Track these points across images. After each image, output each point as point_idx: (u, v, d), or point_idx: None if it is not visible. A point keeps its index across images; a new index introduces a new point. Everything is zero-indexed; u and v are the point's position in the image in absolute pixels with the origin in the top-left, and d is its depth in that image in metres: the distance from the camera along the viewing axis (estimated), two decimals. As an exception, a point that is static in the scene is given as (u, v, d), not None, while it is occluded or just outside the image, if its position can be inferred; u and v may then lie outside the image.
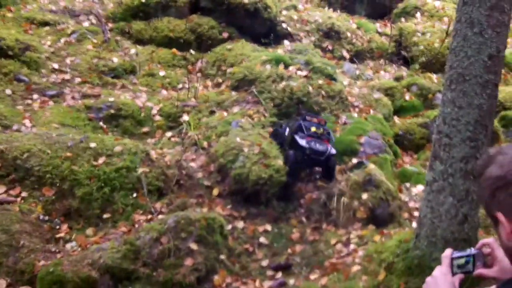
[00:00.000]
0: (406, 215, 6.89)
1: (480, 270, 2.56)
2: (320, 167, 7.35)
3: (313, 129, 7.35)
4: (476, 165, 4.93)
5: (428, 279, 2.49)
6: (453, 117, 5.04)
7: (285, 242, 6.61)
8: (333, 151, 7.21)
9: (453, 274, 2.50)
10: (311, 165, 7.33)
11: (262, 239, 6.55)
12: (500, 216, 2.16)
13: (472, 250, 2.57)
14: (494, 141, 8.22)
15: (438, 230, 5.11)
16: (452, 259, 2.53)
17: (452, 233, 5.06)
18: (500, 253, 2.51)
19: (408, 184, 7.55)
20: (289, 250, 6.47)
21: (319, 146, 7.16)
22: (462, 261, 2.53)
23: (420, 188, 7.28)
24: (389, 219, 6.73)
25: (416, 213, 6.74)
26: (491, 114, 5.08)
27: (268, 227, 6.69)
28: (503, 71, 7.69)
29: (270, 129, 7.82)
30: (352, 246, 6.28)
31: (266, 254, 6.42)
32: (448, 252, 2.54)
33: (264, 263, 6.27)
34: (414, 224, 6.34)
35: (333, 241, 6.47)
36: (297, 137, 7.27)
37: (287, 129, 7.58)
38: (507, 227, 2.15)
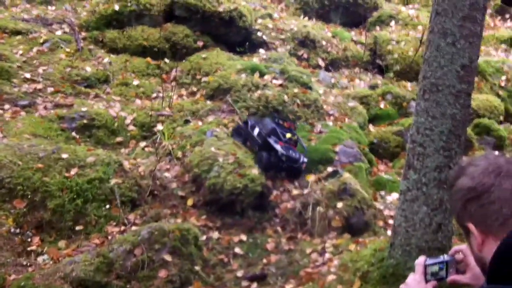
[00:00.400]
0: (381, 223, 6.88)
1: (453, 277, 2.57)
2: (288, 172, 7.42)
3: (288, 135, 7.54)
4: (449, 175, 4.94)
5: (402, 286, 2.48)
6: (427, 126, 5.04)
7: (260, 252, 6.56)
8: (305, 159, 7.43)
9: (427, 281, 2.51)
10: (282, 170, 7.40)
11: (237, 250, 6.50)
12: (471, 227, 2.17)
13: (445, 257, 2.58)
14: (468, 149, 8.28)
15: (412, 239, 5.11)
16: (426, 266, 2.53)
17: (426, 242, 5.06)
18: (472, 260, 2.52)
19: (383, 192, 7.56)
20: (264, 260, 6.42)
21: (293, 154, 7.36)
22: (436, 268, 2.54)
23: (395, 196, 7.29)
24: (364, 227, 6.72)
25: (391, 221, 6.74)
26: (464, 124, 5.10)
27: (243, 237, 6.65)
28: (476, 79, 7.73)
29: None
30: (327, 255, 6.26)
31: (241, 264, 6.37)
32: (421, 259, 2.54)
33: (239, 273, 6.22)
34: (389, 233, 6.34)
35: (308, 251, 6.44)
36: (271, 141, 7.40)
37: (256, 129, 7.62)
38: (478, 237, 2.16)
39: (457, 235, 5.33)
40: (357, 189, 6.89)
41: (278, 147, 7.35)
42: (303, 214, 6.86)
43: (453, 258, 2.60)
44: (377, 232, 6.67)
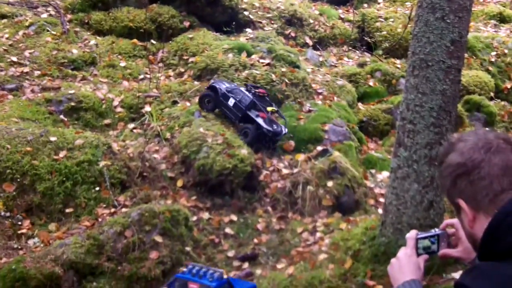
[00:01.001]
0: (372, 201, 6.89)
1: (444, 251, 2.57)
2: (269, 143, 7.57)
3: (269, 109, 7.61)
4: (439, 151, 4.93)
5: (393, 260, 2.47)
6: (417, 103, 5.03)
7: (251, 232, 6.56)
8: (285, 130, 7.56)
9: (418, 255, 2.50)
10: (265, 143, 7.55)
11: (228, 230, 6.50)
12: (462, 203, 2.16)
13: (436, 231, 2.58)
14: (459, 126, 8.28)
15: (403, 217, 5.11)
16: (417, 240, 2.52)
17: (418, 220, 5.06)
18: (464, 234, 2.51)
19: (373, 171, 7.55)
20: (255, 240, 6.42)
21: (276, 127, 7.50)
22: (427, 242, 2.53)
23: (385, 174, 7.29)
24: (354, 206, 6.73)
25: (382, 200, 6.74)
26: (454, 100, 5.08)
27: (234, 218, 6.64)
28: (466, 55, 7.71)
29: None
30: (318, 235, 6.27)
31: (232, 245, 6.36)
32: (412, 233, 2.53)
33: (230, 254, 6.22)
34: (380, 211, 6.34)
35: (299, 230, 6.45)
36: (252, 116, 7.51)
37: (231, 100, 7.62)
38: (469, 214, 2.15)
39: (448, 212, 5.32)
40: (347, 168, 6.88)
41: (261, 121, 7.43)
42: (293, 193, 6.85)
43: (444, 232, 2.60)
44: (368, 210, 6.68)
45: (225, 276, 4.40)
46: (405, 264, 2.43)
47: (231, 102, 7.67)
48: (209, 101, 7.84)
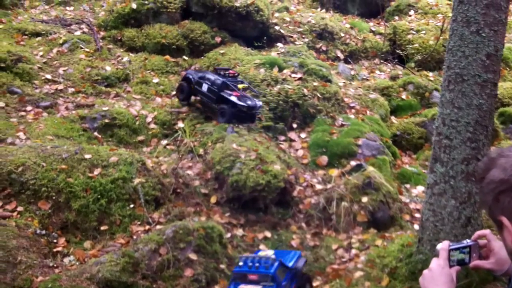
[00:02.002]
0: (407, 217, 6.82)
1: (476, 262, 2.53)
2: (247, 119, 8.01)
3: (240, 86, 8.02)
4: (477, 166, 4.86)
5: (425, 272, 2.44)
6: (453, 118, 4.97)
7: (285, 249, 6.52)
8: (260, 103, 8.01)
9: (450, 266, 2.46)
10: (242, 118, 7.99)
11: (262, 247, 6.46)
12: (505, 220, 2.11)
13: (468, 242, 2.54)
14: (494, 138, 8.17)
15: (441, 233, 5.05)
16: (449, 251, 2.49)
17: (455, 236, 4.99)
18: (496, 245, 2.47)
19: (408, 185, 7.49)
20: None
21: (250, 102, 7.86)
22: (459, 253, 2.50)
23: (420, 189, 7.22)
24: (390, 222, 6.66)
25: (417, 215, 6.69)
26: (491, 114, 5.02)
27: (268, 234, 6.61)
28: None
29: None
30: (353, 251, 6.21)
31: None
32: (445, 244, 2.49)
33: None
34: (416, 227, 6.28)
35: (334, 246, 6.40)
36: (226, 95, 7.91)
37: (205, 85, 8.09)
38: None
39: (486, 228, 5.24)
40: (381, 183, 6.82)
41: (235, 99, 7.84)
42: (327, 209, 6.80)
43: (476, 243, 2.56)
44: (404, 226, 6.60)
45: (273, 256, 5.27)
46: (438, 275, 2.40)
47: (204, 87, 8.14)
48: (184, 90, 8.41)
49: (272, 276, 5.13)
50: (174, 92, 8.77)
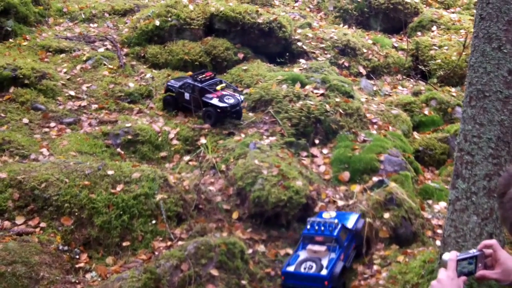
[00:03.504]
0: (429, 233, 6.77)
1: (482, 272, 2.52)
2: (233, 115, 8.50)
3: (218, 87, 8.50)
4: (497, 183, 4.83)
5: (434, 283, 2.43)
6: (474, 134, 4.95)
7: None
8: (242, 97, 8.53)
9: (458, 276, 2.46)
10: (228, 116, 8.44)
11: (283, 262, 6.46)
12: None
13: (474, 252, 2.54)
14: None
15: (462, 249, 5.00)
16: (457, 261, 2.48)
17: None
18: (502, 255, 2.47)
19: (430, 201, 7.43)
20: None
21: (232, 100, 8.33)
22: (466, 263, 2.50)
23: (442, 205, 7.18)
24: (412, 238, 6.61)
25: (439, 231, 6.63)
26: (513, 130, 4.98)
27: (290, 250, 6.60)
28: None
29: (286, 149, 7.86)
30: (375, 267, 6.18)
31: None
32: (453, 254, 2.48)
33: None
34: (438, 243, 6.23)
35: (356, 263, 6.37)
36: (207, 100, 8.35)
37: (186, 95, 8.52)
38: None
39: (508, 244, 5.21)
40: (403, 199, 6.78)
41: (216, 102, 8.27)
42: (350, 225, 6.77)
43: (482, 253, 2.56)
44: (426, 242, 6.55)
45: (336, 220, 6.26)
46: (448, 286, 2.39)
47: (186, 96, 8.56)
48: (170, 102, 8.78)
49: (335, 238, 6.08)
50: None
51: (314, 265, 5.98)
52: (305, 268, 5.98)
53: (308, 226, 6.30)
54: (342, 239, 6.16)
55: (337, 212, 6.72)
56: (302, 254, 6.19)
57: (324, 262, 5.98)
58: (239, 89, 9.13)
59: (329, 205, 7.08)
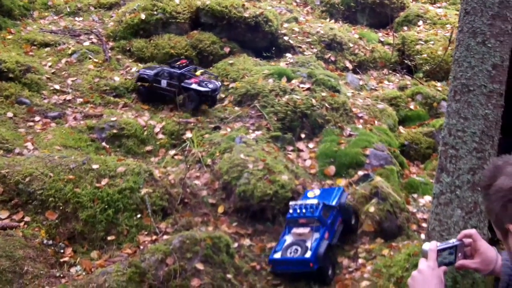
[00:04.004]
0: (414, 227, 6.79)
1: (462, 262, 2.54)
2: (209, 100, 8.71)
3: (197, 73, 8.76)
4: (482, 176, 4.85)
5: (415, 273, 2.44)
6: (459, 128, 4.96)
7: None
8: (219, 84, 8.80)
9: (438, 266, 2.46)
10: (205, 101, 8.65)
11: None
12: None
13: (454, 242, 2.55)
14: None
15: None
16: (438, 251, 2.49)
17: (462, 247, 4.97)
18: (482, 245, 2.48)
19: (415, 195, 7.46)
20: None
21: (212, 85, 8.58)
22: (446, 253, 2.51)
23: (427, 198, 7.20)
24: (397, 231, 6.63)
25: (424, 225, 6.66)
26: (497, 124, 5.00)
27: (275, 244, 6.60)
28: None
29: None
30: (360, 261, 6.20)
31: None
32: (433, 245, 2.49)
33: (273, 281, 6.18)
34: (423, 236, 6.25)
35: (341, 256, 6.38)
36: (186, 85, 8.55)
37: (164, 82, 8.61)
38: None
39: (489, 238, 5.23)
40: (389, 193, 6.80)
41: (197, 87, 8.48)
42: (335, 219, 6.78)
43: (461, 242, 2.58)
44: (411, 236, 6.57)
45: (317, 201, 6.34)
46: (429, 277, 2.40)
47: (163, 83, 8.66)
48: (143, 92, 8.84)
49: (317, 218, 6.22)
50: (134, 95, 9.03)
51: (299, 248, 6.11)
52: (290, 253, 6.12)
53: (291, 210, 6.42)
54: (324, 218, 6.29)
55: (322, 190, 6.89)
56: (288, 239, 6.33)
57: (309, 243, 6.11)
58: (225, 83, 9.14)
59: (314, 199, 7.08)
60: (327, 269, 6.07)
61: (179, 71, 8.62)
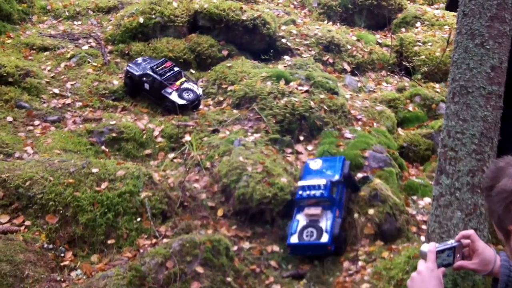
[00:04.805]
0: (414, 229, 6.79)
1: (460, 263, 2.54)
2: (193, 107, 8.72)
3: (177, 83, 8.69)
4: (484, 177, 4.86)
5: (414, 275, 2.43)
6: (458, 130, 4.98)
7: (292, 261, 6.53)
8: (200, 91, 8.82)
9: (437, 267, 2.47)
10: (188, 110, 8.61)
11: (269, 260, 6.47)
12: None
13: (452, 243, 2.55)
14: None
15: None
16: (437, 253, 2.49)
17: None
18: (480, 245, 2.48)
19: (415, 197, 7.46)
20: (297, 270, 6.38)
21: (191, 95, 8.63)
22: (445, 254, 2.51)
23: (427, 200, 7.20)
24: (397, 234, 6.64)
25: (424, 227, 6.66)
26: (496, 126, 5.02)
27: (275, 247, 6.62)
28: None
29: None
30: (360, 263, 6.20)
31: (273, 274, 6.33)
32: (432, 246, 2.49)
33: (273, 285, 6.19)
34: (423, 238, 6.26)
35: (341, 259, 6.39)
36: (166, 95, 8.62)
37: (146, 85, 8.74)
38: None
39: (493, 239, 5.24)
40: (388, 195, 6.81)
41: (175, 97, 8.55)
42: (335, 221, 6.79)
43: (460, 243, 2.58)
44: (410, 238, 6.58)
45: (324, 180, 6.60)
46: (428, 278, 2.39)
47: (146, 86, 8.78)
48: (130, 86, 8.94)
49: (327, 198, 6.47)
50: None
51: (314, 231, 6.36)
52: (307, 236, 6.37)
53: (300, 191, 6.67)
54: (333, 196, 6.54)
55: (323, 159, 7.18)
56: (301, 219, 6.57)
57: (323, 224, 6.39)
58: (223, 86, 9.14)
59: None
60: (342, 246, 6.42)
61: (159, 79, 8.68)
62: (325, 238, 6.24)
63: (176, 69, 8.95)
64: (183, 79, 8.83)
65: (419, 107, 9.46)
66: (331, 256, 6.37)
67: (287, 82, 8.79)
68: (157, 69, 8.77)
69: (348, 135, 8.09)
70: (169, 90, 8.63)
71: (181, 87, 8.66)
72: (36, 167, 6.56)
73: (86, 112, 8.38)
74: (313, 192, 6.52)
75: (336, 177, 6.70)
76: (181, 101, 8.50)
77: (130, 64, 9.06)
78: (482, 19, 4.91)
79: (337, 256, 6.37)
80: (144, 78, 8.75)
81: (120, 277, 5.50)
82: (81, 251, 6.16)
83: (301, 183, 6.73)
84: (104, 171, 6.69)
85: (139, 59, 9.21)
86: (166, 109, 8.63)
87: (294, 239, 6.38)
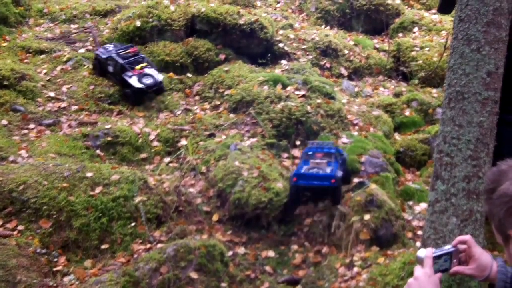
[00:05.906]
0: (410, 234, 6.76)
1: (456, 268, 2.53)
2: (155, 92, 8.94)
3: (138, 67, 8.81)
4: (480, 183, 4.84)
5: (411, 281, 2.42)
6: (453, 135, 4.95)
7: (287, 267, 6.50)
8: (160, 78, 8.95)
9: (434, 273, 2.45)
10: (142, 97, 8.86)
11: (264, 265, 6.44)
12: None
13: (449, 248, 2.54)
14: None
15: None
16: (433, 258, 2.48)
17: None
18: (477, 251, 2.47)
19: (411, 202, 7.42)
20: (292, 275, 6.35)
21: (150, 81, 8.79)
22: (442, 260, 2.50)
23: (423, 206, 7.17)
24: (392, 239, 6.60)
25: (420, 232, 6.63)
26: (492, 132, 4.99)
27: (270, 252, 6.58)
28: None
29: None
30: (355, 269, 6.16)
31: (268, 280, 6.30)
32: (429, 251, 2.47)
33: (268, 289, 6.17)
34: (418, 244, 6.23)
35: (336, 265, 6.35)
36: (126, 78, 8.73)
37: (110, 68, 8.98)
38: None
39: (490, 244, 5.22)
40: (384, 200, 6.78)
41: (134, 82, 8.67)
42: (330, 227, 6.77)
43: (456, 249, 2.56)
44: (406, 244, 6.55)
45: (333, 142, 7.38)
46: (426, 284, 2.37)
47: (110, 69, 9.01)
48: (97, 68, 9.23)
49: (334, 153, 7.12)
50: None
51: (320, 171, 6.89)
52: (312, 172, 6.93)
53: (310, 145, 7.27)
54: (337, 158, 7.11)
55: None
56: (307, 165, 7.07)
57: (328, 170, 6.89)
58: (220, 90, 9.12)
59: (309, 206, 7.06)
60: (340, 192, 6.87)
61: (121, 62, 8.85)
62: (329, 171, 6.82)
63: (141, 55, 9.16)
64: (145, 63, 8.97)
65: (416, 112, 9.44)
66: (330, 192, 6.85)
67: (284, 86, 8.77)
68: (121, 53, 9.00)
69: (344, 140, 8.06)
70: (129, 73, 8.76)
71: (142, 72, 8.82)
72: (30, 171, 6.53)
73: (81, 116, 8.36)
74: (322, 147, 7.14)
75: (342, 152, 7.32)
76: (139, 85, 8.66)
77: (100, 49, 9.32)
78: (479, 25, 4.89)
79: (336, 197, 6.83)
80: (109, 62, 8.98)
81: (114, 282, 5.47)
82: (75, 256, 6.12)
83: (311, 141, 7.42)
84: (98, 175, 6.66)
85: (110, 45, 9.42)
86: (126, 96, 8.89)
87: (302, 170, 6.91)
